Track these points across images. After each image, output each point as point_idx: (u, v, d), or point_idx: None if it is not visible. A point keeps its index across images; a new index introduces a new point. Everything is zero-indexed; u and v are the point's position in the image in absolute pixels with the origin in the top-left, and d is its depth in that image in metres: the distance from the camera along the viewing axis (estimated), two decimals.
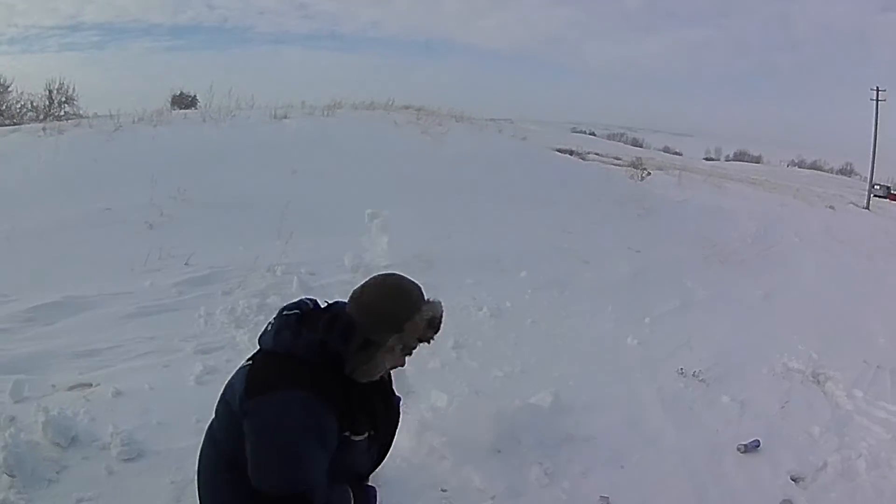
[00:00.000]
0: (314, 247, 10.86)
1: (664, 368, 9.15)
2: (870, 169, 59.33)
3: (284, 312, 3.08)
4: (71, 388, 6.64)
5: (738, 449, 7.20)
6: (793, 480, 6.86)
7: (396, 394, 3.44)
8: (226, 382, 3.07)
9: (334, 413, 2.86)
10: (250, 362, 3.02)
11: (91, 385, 6.71)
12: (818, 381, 9.59)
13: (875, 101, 58.83)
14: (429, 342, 3.11)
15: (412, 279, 3.11)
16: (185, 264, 9.77)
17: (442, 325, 3.10)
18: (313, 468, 2.86)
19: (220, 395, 3.08)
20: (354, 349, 2.91)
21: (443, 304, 3.12)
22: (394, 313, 2.96)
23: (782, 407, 8.59)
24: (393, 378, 3.41)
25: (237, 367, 3.07)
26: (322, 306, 3.17)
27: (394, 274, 3.14)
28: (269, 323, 3.08)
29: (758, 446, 7.27)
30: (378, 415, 3.13)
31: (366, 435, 3.05)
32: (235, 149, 15.57)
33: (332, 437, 2.89)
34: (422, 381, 7.48)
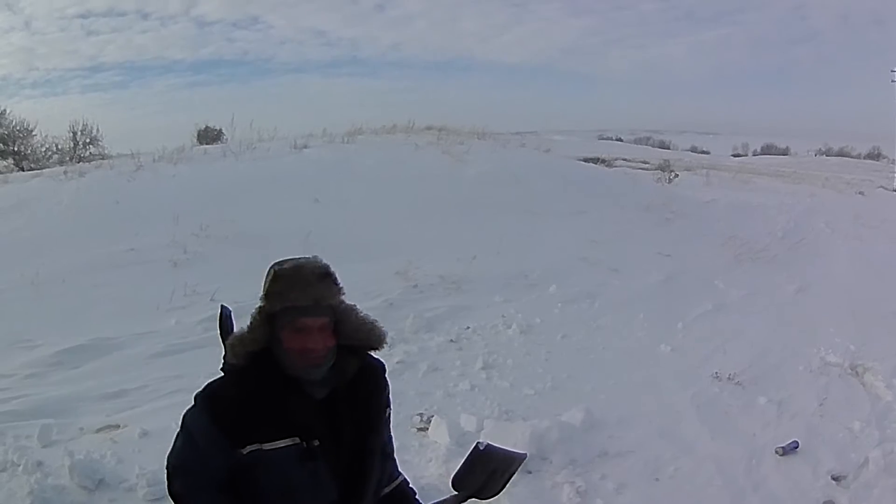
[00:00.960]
0: (339, 275, 10.78)
1: (699, 374, 8.98)
2: None
3: None
4: (98, 431, 6.73)
5: (777, 452, 7.02)
6: (834, 480, 6.65)
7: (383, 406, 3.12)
8: None
9: (210, 418, 2.78)
10: None
11: (118, 426, 6.79)
12: (857, 374, 9.32)
13: None
14: (297, 307, 2.80)
15: (302, 257, 2.95)
16: (210, 300, 9.80)
17: (305, 282, 2.82)
18: (178, 455, 2.85)
19: None
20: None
21: (319, 260, 2.95)
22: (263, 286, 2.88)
23: (820, 404, 8.35)
24: (377, 388, 3.08)
25: None
26: None
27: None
28: None
29: (796, 447, 7.09)
30: (292, 424, 2.82)
31: (280, 443, 2.80)
32: (256, 181, 15.68)
33: (208, 443, 2.78)
34: (451, 404, 7.48)
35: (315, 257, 2.96)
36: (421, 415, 7.26)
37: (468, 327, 10.15)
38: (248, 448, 2.77)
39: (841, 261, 16.83)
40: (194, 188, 14.85)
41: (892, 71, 59.17)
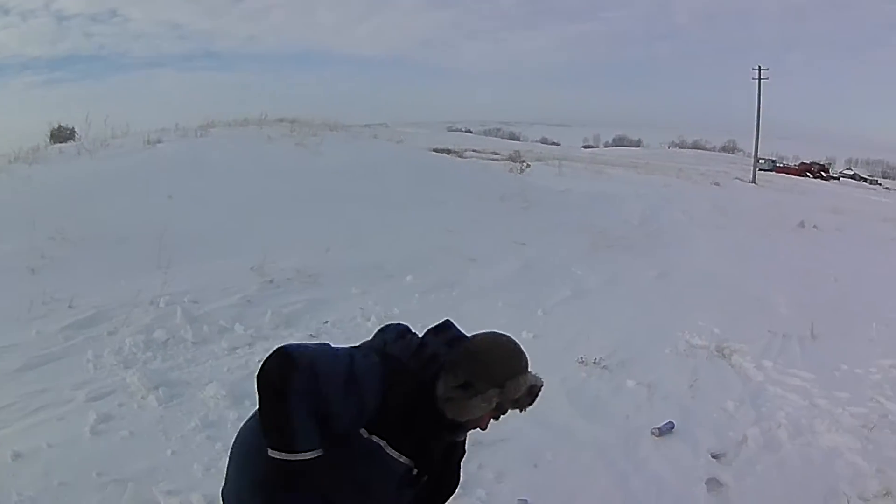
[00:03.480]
0: (195, 273, 10.62)
1: (564, 359, 8.96)
2: (754, 144, 63.43)
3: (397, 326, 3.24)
4: None
5: (653, 433, 7.14)
6: (714, 458, 6.82)
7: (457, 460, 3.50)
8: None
9: (378, 391, 2.89)
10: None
11: None
12: (724, 356, 9.61)
13: (758, 80, 64.09)
14: (521, 410, 3.09)
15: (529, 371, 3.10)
16: (69, 307, 9.38)
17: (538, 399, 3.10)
18: (327, 367, 2.85)
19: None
20: (453, 385, 2.97)
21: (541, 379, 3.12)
22: (501, 368, 2.99)
23: (691, 385, 8.53)
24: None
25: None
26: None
27: (507, 335, 3.13)
28: (387, 327, 3.25)
29: (672, 428, 7.24)
30: (423, 453, 3.06)
31: (401, 458, 2.99)
32: (111, 180, 15.09)
33: (361, 395, 2.86)
34: None
35: (540, 377, 3.13)
36: None
37: (327, 321, 9.92)
38: (375, 438, 2.93)
39: (701, 248, 17.49)
40: (50, 189, 14.21)
41: (754, 68, 63.92)
